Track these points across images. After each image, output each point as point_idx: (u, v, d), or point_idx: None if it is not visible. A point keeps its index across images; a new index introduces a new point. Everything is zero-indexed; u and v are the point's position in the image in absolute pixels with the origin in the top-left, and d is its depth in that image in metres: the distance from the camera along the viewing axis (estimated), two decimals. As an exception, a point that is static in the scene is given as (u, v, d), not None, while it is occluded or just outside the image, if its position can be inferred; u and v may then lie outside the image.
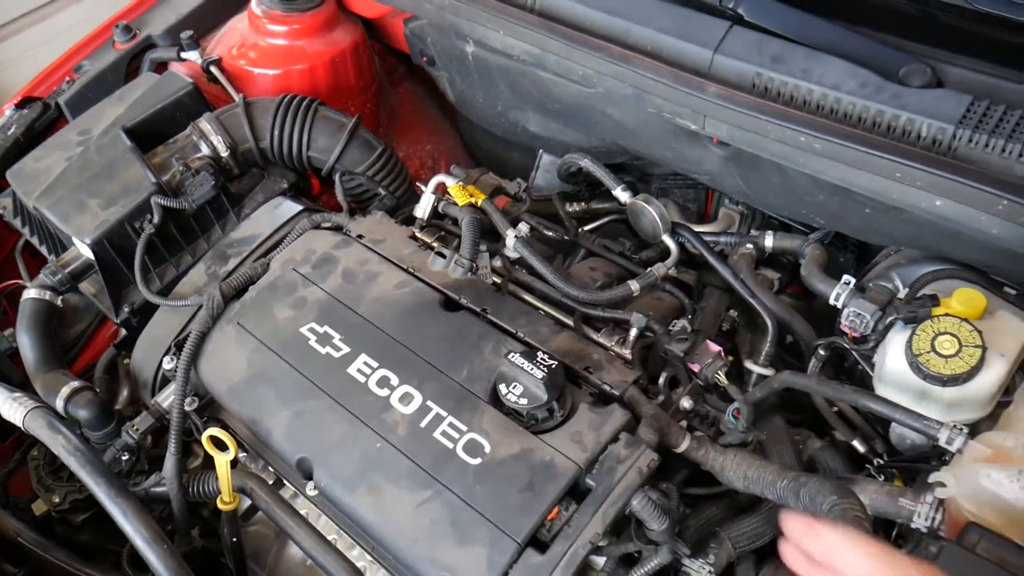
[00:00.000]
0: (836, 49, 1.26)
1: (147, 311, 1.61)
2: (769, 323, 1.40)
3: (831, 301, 1.34)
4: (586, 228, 1.69)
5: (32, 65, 3.73)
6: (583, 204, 1.77)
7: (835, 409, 1.39)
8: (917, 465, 1.21)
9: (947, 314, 1.12)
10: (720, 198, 1.74)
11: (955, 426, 1.07)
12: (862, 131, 1.20)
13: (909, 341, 1.12)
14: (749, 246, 1.53)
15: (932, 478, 1.08)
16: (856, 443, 1.35)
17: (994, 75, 1.21)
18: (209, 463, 1.36)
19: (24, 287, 1.77)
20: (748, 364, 1.42)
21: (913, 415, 1.10)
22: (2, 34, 3.78)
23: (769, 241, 1.52)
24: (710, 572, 1.28)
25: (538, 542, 1.13)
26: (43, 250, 1.72)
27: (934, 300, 1.17)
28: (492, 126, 1.85)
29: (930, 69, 1.21)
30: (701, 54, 1.34)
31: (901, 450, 1.28)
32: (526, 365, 1.20)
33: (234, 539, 1.42)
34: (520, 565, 1.11)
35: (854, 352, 1.28)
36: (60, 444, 1.27)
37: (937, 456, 1.18)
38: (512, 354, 1.21)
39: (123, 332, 1.72)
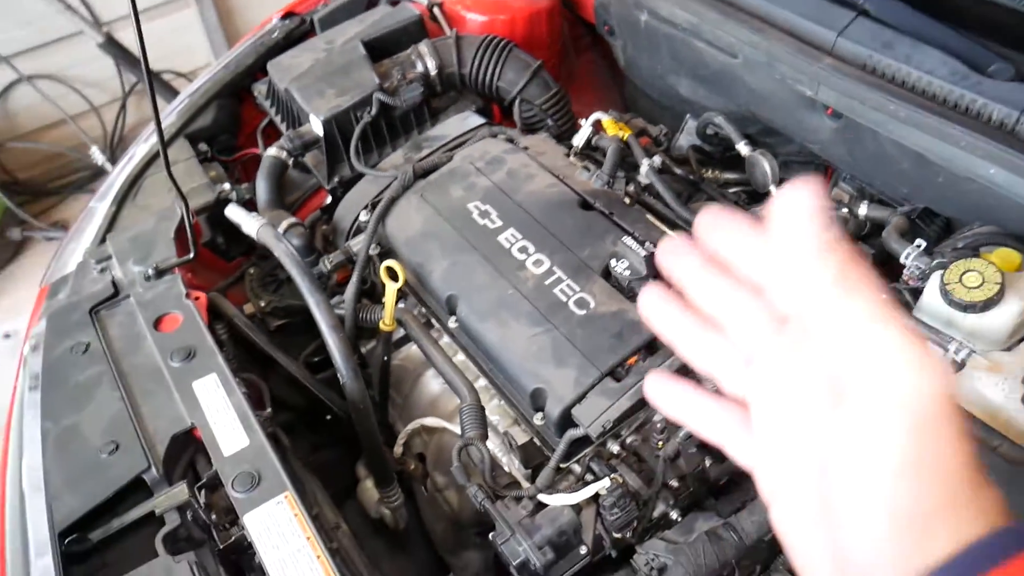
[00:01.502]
0: (938, 43, 1.52)
1: (351, 184, 2.06)
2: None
3: (902, 259, 1.60)
4: (719, 176, 2.00)
5: (272, 9, 4.41)
6: (711, 171, 2.09)
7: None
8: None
9: (981, 257, 1.37)
10: (836, 180, 2.01)
11: (964, 343, 1.33)
12: (943, 108, 1.46)
13: (942, 275, 1.38)
14: (844, 210, 1.80)
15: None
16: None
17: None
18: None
19: (260, 155, 2.28)
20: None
21: (932, 329, 1.36)
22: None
23: (863, 210, 1.79)
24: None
25: (616, 376, 1.47)
26: (282, 127, 2.20)
27: (974, 251, 1.42)
28: (652, 89, 2.19)
29: (1014, 68, 1.46)
30: (827, 35, 1.63)
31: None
32: (634, 246, 1.54)
33: (385, 358, 1.82)
34: (599, 388, 1.45)
35: (906, 294, 1.54)
36: (281, 250, 1.72)
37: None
38: (626, 237, 1.56)
39: (327, 201, 2.19)
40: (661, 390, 0.67)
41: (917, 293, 1.56)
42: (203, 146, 2.21)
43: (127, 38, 3.83)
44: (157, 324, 1.66)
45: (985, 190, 1.43)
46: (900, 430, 0.51)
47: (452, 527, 1.82)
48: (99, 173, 4.18)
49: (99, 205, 2.05)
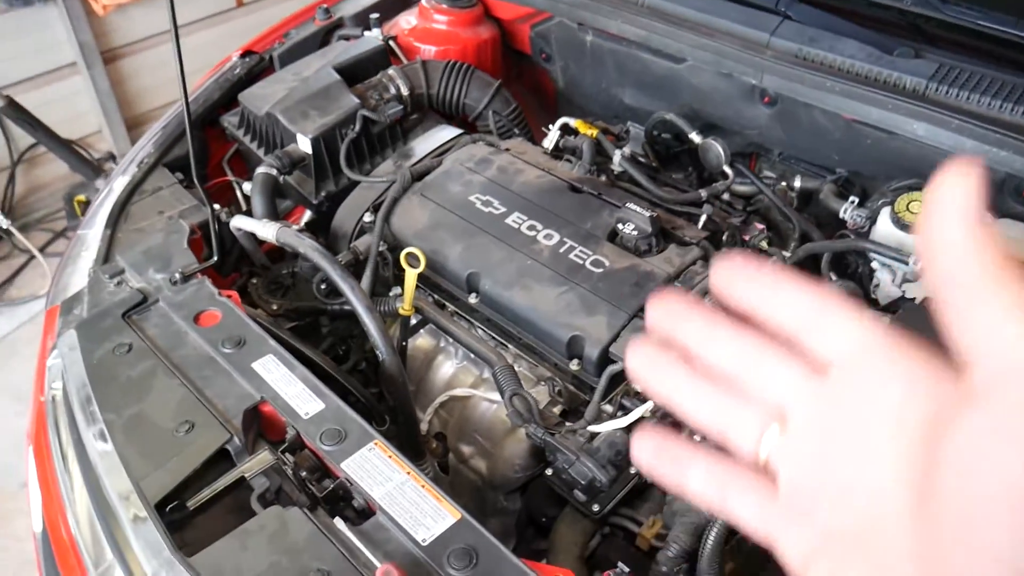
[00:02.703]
0: (852, 36, 1.91)
1: (336, 199, 2.20)
2: (796, 224, 2.00)
3: (840, 214, 1.94)
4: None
5: (163, 75, 4.46)
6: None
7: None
8: (896, 305, 1.79)
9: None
10: (760, 166, 2.36)
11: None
12: (867, 82, 1.83)
13: (892, 206, 1.72)
14: (783, 184, 2.15)
15: (904, 290, 1.66)
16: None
17: (957, 60, 1.86)
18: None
19: (232, 182, 2.39)
20: (780, 251, 2.01)
21: (895, 249, 1.69)
22: (142, 46, 4.48)
23: (797, 182, 2.14)
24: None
25: (642, 316, 1.70)
26: (260, 152, 2.32)
27: (910, 189, 1.78)
28: (592, 103, 2.49)
29: (913, 51, 1.86)
30: (762, 36, 1.99)
31: (883, 303, 1.86)
32: (638, 210, 1.79)
33: (403, 342, 1.96)
34: (630, 327, 1.67)
35: (852, 235, 1.87)
36: (306, 245, 1.83)
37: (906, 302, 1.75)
38: (628, 203, 1.81)
39: (304, 219, 2.31)
40: (654, 452, 0.58)
41: (858, 235, 1.90)
42: (178, 175, 2.28)
43: (26, 102, 3.76)
44: (196, 320, 1.73)
45: (908, 144, 1.80)
46: None
47: (476, 497, 1.96)
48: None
49: (88, 232, 2.08)
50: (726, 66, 1.99)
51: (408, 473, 1.43)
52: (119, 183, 2.20)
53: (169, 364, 1.63)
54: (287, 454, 1.51)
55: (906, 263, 1.67)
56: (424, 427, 1.93)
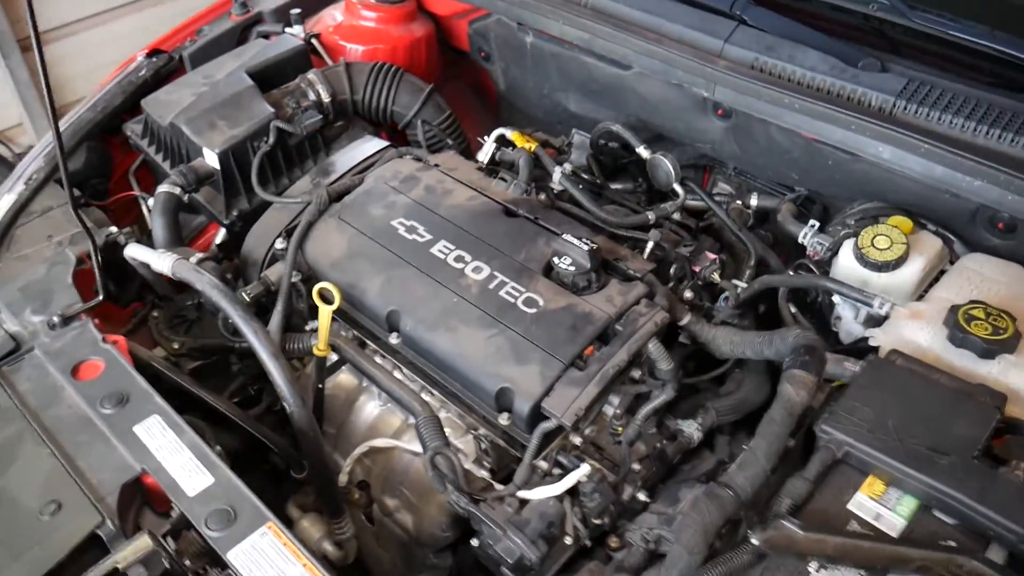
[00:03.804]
0: (813, 44, 1.73)
1: (250, 217, 1.99)
2: (752, 250, 1.83)
3: (799, 239, 1.78)
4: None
5: (92, 61, 4.17)
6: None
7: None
8: (857, 347, 1.63)
9: (884, 223, 1.56)
10: (714, 179, 2.19)
11: (885, 298, 1.49)
12: (829, 97, 1.65)
13: (856, 240, 1.55)
14: (738, 202, 1.97)
15: (867, 332, 1.49)
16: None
17: (927, 72, 1.68)
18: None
19: (137, 199, 2.16)
20: (734, 281, 1.83)
21: (856, 289, 1.52)
22: (67, 31, 4.19)
23: (754, 200, 1.96)
24: (698, 428, 1.67)
25: (578, 366, 1.52)
26: (165, 165, 2.09)
27: (875, 220, 1.61)
28: (535, 108, 2.29)
29: (880, 63, 1.68)
30: (715, 43, 1.80)
31: (845, 343, 1.70)
32: (575, 242, 1.60)
33: (319, 385, 1.77)
34: (565, 378, 1.49)
35: (813, 268, 1.70)
36: (205, 281, 1.62)
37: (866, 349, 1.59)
38: (565, 235, 1.62)
39: (218, 238, 2.10)
40: None
41: (819, 265, 1.74)
42: (75, 191, 2.05)
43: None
44: (75, 373, 1.53)
45: (873, 168, 1.63)
46: None
47: (403, 553, 1.78)
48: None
49: (-33, 261, 1.85)
50: (675, 76, 1.80)
51: (304, 565, 1.25)
52: (4, 202, 1.96)
53: (39, 428, 1.43)
54: (169, 538, 1.32)
55: (870, 304, 1.50)
56: (344, 478, 1.74)
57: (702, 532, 1.23)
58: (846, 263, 1.58)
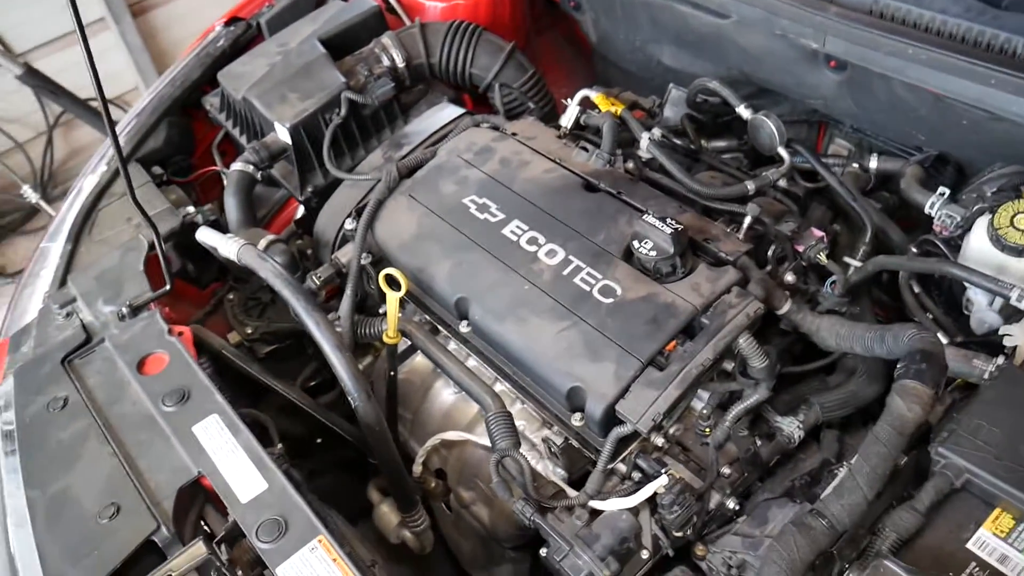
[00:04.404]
0: (947, -20, 1.46)
1: (326, 192, 1.91)
2: (868, 223, 1.60)
3: (926, 209, 1.53)
4: (708, 146, 1.91)
5: (197, 25, 4.20)
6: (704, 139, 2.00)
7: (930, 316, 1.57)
8: (989, 339, 1.39)
9: (1027, 198, 1.31)
10: (831, 136, 1.94)
11: (1026, 288, 1.26)
12: (963, 47, 1.39)
13: (991, 219, 1.31)
14: (855, 165, 1.73)
15: (1002, 331, 1.26)
16: (939, 334, 1.53)
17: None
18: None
19: (221, 172, 2.12)
20: (846, 259, 1.61)
21: (990, 278, 1.28)
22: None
23: (874, 163, 1.72)
24: (799, 427, 1.49)
25: (658, 364, 1.36)
26: (242, 140, 2.04)
27: (1017, 192, 1.36)
28: (628, 63, 2.09)
29: (1030, -1, 1.40)
30: (826, -16, 1.55)
31: (978, 333, 1.46)
32: (657, 224, 1.43)
33: (392, 372, 1.69)
34: (643, 378, 1.34)
35: (941, 245, 1.47)
36: (268, 269, 1.56)
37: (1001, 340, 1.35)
38: (646, 214, 1.45)
39: (298, 213, 2.04)
40: None
41: (948, 243, 1.50)
42: (157, 169, 2.04)
43: (47, 67, 3.58)
44: (141, 367, 1.50)
45: (1018, 128, 1.36)
46: None
47: (482, 544, 1.71)
48: (33, 212, 3.92)
49: (52, 245, 1.87)
50: (780, 25, 1.57)
51: (353, 583, 1.18)
52: (87, 183, 1.97)
53: (104, 425, 1.42)
54: (222, 546, 1.28)
55: (1007, 297, 1.27)
56: (417, 469, 1.67)
57: (788, 570, 1.07)
58: (979, 244, 1.34)
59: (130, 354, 1.52)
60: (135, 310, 1.59)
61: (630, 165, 1.72)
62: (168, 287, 1.61)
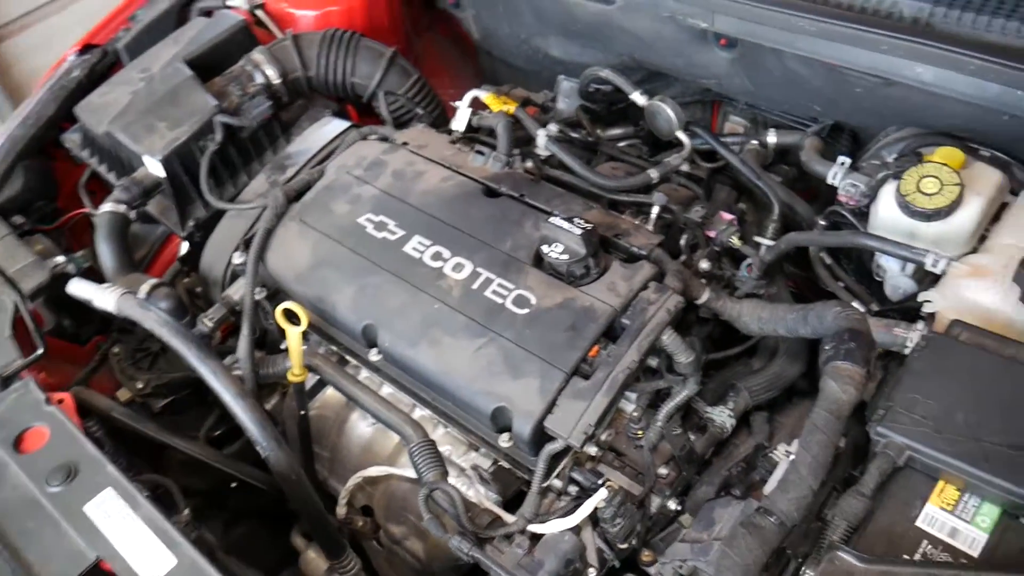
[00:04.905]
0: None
1: (209, 225, 1.78)
2: (775, 200, 1.58)
3: (829, 180, 1.51)
4: (606, 135, 1.86)
5: (61, 50, 3.94)
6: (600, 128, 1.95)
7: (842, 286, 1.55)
8: (907, 305, 1.39)
9: (930, 161, 1.29)
10: (725, 114, 1.91)
11: (939, 253, 1.24)
12: (853, 14, 1.37)
13: (897, 186, 1.29)
14: (754, 142, 1.70)
15: (920, 297, 1.25)
16: (856, 304, 1.52)
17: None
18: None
19: (90, 215, 1.95)
20: (756, 238, 1.59)
21: (903, 246, 1.27)
22: (29, 20, 3.94)
23: (772, 137, 1.70)
24: (730, 415, 1.46)
25: (582, 373, 1.30)
26: (110, 177, 1.88)
27: (918, 156, 1.35)
28: (515, 58, 2.03)
29: (909, -40, 1.39)
30: (708, -40, 1.52)
31: (893, 300, 1.45)
32: (565, 226, 1.37)
33: (302, 411, 1.58)
34: (568, 390, 1.28)
35: (848, 216, 1.45)
36: (152, 319, 1.43)
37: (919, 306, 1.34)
38: (553, 217, 1.39)
39: (182, 249, 1.90)
40: None
41: (855, 212, 1.48)
42: (18, 218, 1.85)
43: None
44: (18, 445, 1.35)
45: (911, 91, 1.36)
46: None
47: (420, 578, 1.62)
48: None
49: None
50: (666, 7, 1.53)
51: (283, 658, 1.08)
52: (-61, 241, 1.78)
53: (-19, 516, 1.26)
54: (133, 635, 1.15)
55: (921, 263, 1.25)
56: (342, 511, 1.56)
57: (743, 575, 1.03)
58: (888, 213, 1.33)
59: (4, 431, 1.36)
60: (5, 381, 1.43)
61: (529, 165, 1.65)
62: (40, 351, 1.45)
